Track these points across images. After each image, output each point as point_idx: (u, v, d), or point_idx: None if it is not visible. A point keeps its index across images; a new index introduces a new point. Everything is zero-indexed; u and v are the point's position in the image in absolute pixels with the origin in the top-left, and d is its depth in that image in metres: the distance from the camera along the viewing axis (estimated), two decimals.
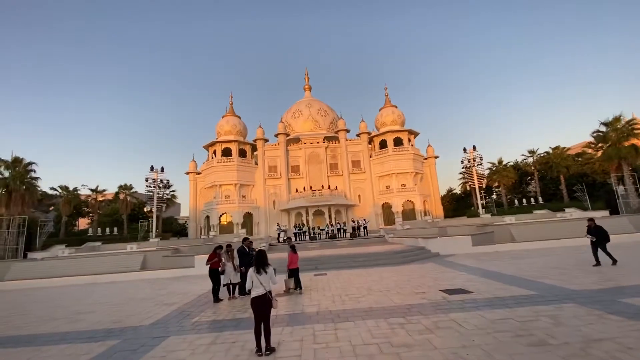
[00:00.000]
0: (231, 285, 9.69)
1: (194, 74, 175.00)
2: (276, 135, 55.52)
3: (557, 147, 38.79)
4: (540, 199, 37.91)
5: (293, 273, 9.94)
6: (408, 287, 9.23)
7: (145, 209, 45.93)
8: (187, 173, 57.47)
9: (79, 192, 38.75)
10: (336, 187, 51.37)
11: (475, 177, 40.32)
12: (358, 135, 55.80)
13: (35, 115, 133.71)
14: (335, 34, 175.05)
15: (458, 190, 57.94)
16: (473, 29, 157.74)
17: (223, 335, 6.08)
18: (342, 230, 28.82)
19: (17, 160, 24.73)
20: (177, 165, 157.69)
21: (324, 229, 29.34)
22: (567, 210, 31.29)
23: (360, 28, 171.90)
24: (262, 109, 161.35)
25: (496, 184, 46.61)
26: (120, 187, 42.12)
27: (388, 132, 53.03)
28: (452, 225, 27.06)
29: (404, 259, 15.04)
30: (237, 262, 9.82)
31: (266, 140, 55.33)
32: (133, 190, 44.17)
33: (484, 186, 40.63)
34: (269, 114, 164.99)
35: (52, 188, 37.84)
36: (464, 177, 48.36)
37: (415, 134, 55.55)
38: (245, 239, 10.36)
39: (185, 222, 60.61)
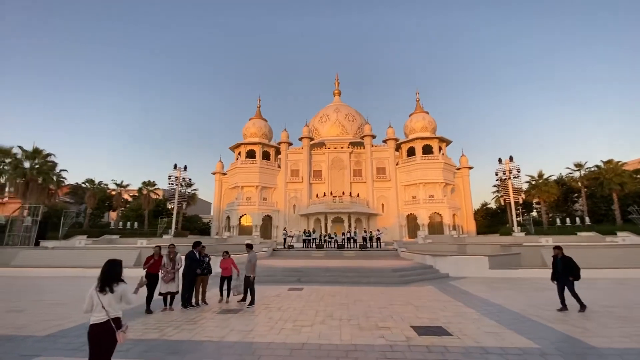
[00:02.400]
0: (169, 295, 8.43)
1: (229, 77, 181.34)
2: (300, 139, 54.80)
3: (609, 161, 33.41)
4: (587, 219, 32.97)
5: (224, 281, 9.24)
6: (377, 317, 7.41)
7: (169, 206, 47.11)
8: (214, 173, 58.55)
9: (105, 186, 40.59)
10: (358, 194, 49.32)
11: (510, 190, 36.38)
12: (385, 141, 53.40)
13: (73, 112, 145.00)
14: (369, 36, 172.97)
15: (493, 205, 53.12)
16: (513, 31, 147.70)
17: None
18: (352, 240, 26.90)
19: (36, 151, 26.14)
20: (209, 165, 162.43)
21: (333, 237, 27.61)
22: (619, 234, 26.87)
23: (395, 32, 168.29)
24: (293, 114, 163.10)
25: (536, 200, 41.77)
26: (144, 183, 43.55)
27: (417, 139, 50.12)
28: (475, 243, 24.15)
29: (401, 279, 12.99)
30: (181, 268, 8.60)
31: (290, 144, 54.85)
32: (156, 187, 45.48)
33: (520, 201, 36.48)
34: (298, 118, 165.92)
35: (85, 181, 40.06)
36: (498, 191, 44.03)
37: (447, 142, 52.04)
38: (197, 243, 9.10)
39: (210, 221, 61.61)
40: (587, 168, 35.94)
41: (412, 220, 48.81)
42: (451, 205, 47.74)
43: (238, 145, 53.98)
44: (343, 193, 48.33)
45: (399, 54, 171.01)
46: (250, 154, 52.98)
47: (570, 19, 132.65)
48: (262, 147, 53.04)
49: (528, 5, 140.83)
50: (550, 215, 41.54)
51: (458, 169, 53.18)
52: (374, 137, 54.50)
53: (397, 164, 51.60)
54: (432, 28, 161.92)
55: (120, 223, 40.21)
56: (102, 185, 40.33)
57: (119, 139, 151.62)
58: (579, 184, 36.24)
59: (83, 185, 39.97)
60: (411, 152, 51.25)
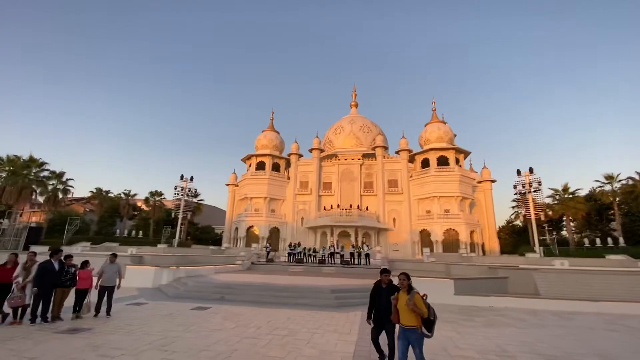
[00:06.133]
0: (19, 308, 7.57)
1: (249, 90, 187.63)
2: (311, 151, 53.98)
3: None
4: (621, 240, 28.02)
5: (81, 294, 8.19)
6: (213, 352, 5.94)
7: (179, 216, 47.98)
8: (227, 184, 59.36)
9: (119, 196, 42.23)
10: (367, 207, 47.19)
11: (531, 205, 32.50)
12: (397, 152, 50.93)
13: (92, 126, 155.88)
14: (388, 46, 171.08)
15: (519, 222, 48.10)
16: (540, 38, 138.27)
17: None
18: (336, 255, 24.92)
19: (32, 160, 27.73)
20: (226, 176, 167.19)
21: (317, 252, 25.89)
22: None
23: (414, 40, 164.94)
24: (311, 126, 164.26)
25: (568, 217, 36.84)
26: (151, 193, 44.87)
27: (431, 149, 47.06)
28: (471, 264, 21.31)
29: (336, 302, 11.20)
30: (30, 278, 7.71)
31: (300, 156, 54.14)
32: (162, 196, 46.61)
33: (543, 218, 32.38)
34: (315, 130, 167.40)
35: (97, 190, 42.17)
36: (517, 206, 39.70)
37: (465, 154, 48.46)
38: (55, 251, 8.18)
39: (222, 232, 62.08)
40: (619, 180, 31.03)
41: (425, 236, 45.43)
42: (469, 221, 43.83)
43: (249, 157, 54.27)
44: (350, 206, 46.45)
45: (419, 63, 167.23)
46: (261, 166, 52.91)
47: (603, 26, 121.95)
48: (272, 159, 52.81)
49: (555, 13, 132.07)
50: (582, 234, 36.42)
51: (479, 182, 49.21)
52: (386, 148, 52.35)
53: (410, 176, 48.79)
54: (452, 36, 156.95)
55: (126, 231, 41.45)
56: (110, 194, 42.20)
57: (136, 150, 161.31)
58: (611, 198, 31.28)
59: (92, 193, 42.06)
60: (425, 163, 48.20)
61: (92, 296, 8.53)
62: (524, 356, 6.17)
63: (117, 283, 8.81)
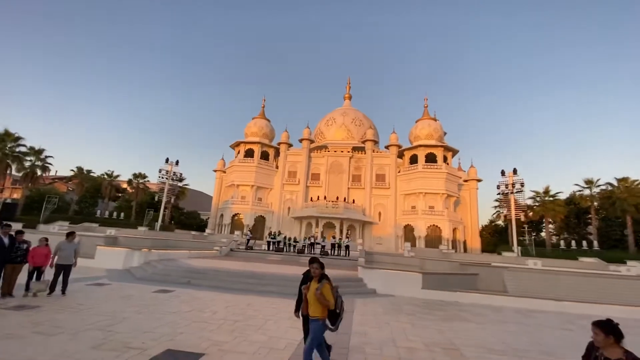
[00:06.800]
0: None
1: (243, 79, 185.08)
2: (301, 141, 53.64)
3: (624, 179, 28.84)
4: (595, 243, 28.77)
5: (34, 272, 8.05)
6: (157, 333, 5.86)
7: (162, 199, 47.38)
8: (215, 170, 58.71)
9: (98, 176, 41.40)
10: (353, 200, 47.34)
11: (512, 206, 33.03)
12: (387, 147, 51.00)
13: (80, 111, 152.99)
14: (385, 43, 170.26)
15: (501, 222, 48.93)
16: (534, 42, 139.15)
17: None
18: (316, 245, 25.03)
19: (7, 134, 26.89)
20: (212, 162, 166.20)
21: (298, 242, 25.94)
22: (629, 263, 23.27)
23: (412, 38, 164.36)
24: (304, 116, 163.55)
25: (547, 219, 37.59)
26: (134, 175, 44.12)
27: (420, 146, 47.29)
28: (444, 260, 21.62)
29: None
30: None
31: (290, 145, 53.79)
32: (146, 179, 45.91)
33: (522, 219, 32.95)
34: (309, 121, 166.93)
35: (78, 169, 41.18)
36: (500, 206, 40.32)
37: (454, 152, 48.77)
38: (5, 226, 7.92)
39: (208, 218, 61.69)
40: (598, 186, 31.67)
41: (409, 231, 45.91)
42: (452, 218, 44.39)
43: (238, 144, 53.70)
44: (337, 198, 46.55)
45: (416, 59, 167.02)
46: (249, 153, 52.41)
47: (595, 30, 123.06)
48: (262, 147, 52.36)
49: (549, 15, 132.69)
50: (560, 237, 37.25)
51: (465, 181, 49.68)
52: (376, 142, 52.36)
53: (398, 172, 49.00)
54: (452, 33, 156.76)
55: (107, 213, 40.84)
56: (91, 174, 41.29)
57: (123, 132, 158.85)
58: (589, 202, 31.97)
59: (73, 172, 41.04)
60: (414, 160, 48.43)
61: (49, 274, 8.38)
62: (469, 349, 6.24)
63: (74, 262, 8.62)
